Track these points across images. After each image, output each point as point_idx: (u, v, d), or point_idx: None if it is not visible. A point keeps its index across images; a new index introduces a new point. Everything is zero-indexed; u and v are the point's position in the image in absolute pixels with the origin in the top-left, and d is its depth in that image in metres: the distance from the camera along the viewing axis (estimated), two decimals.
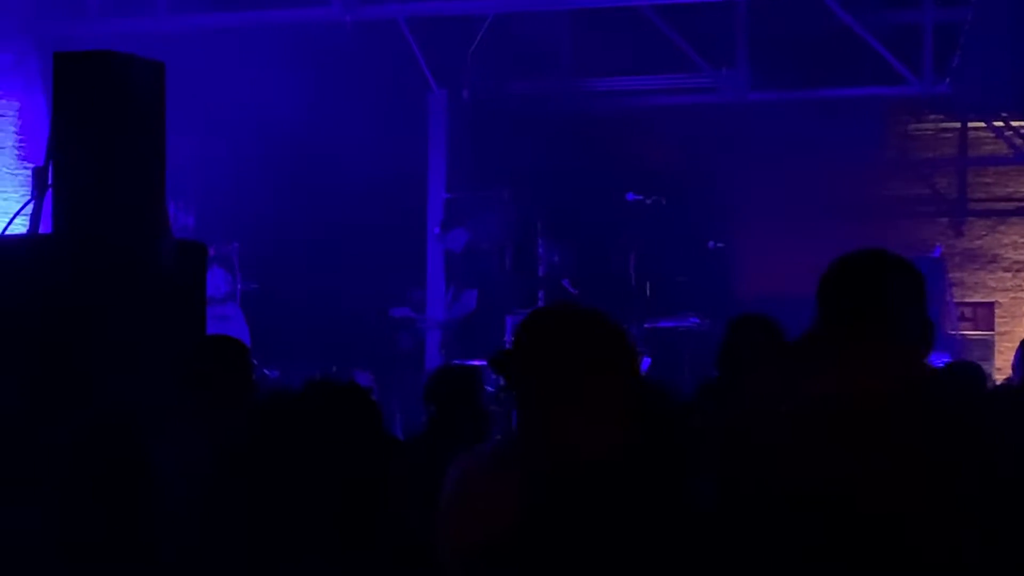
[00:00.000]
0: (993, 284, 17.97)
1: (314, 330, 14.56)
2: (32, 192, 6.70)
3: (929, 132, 18.39)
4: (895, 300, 3.53)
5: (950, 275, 17.26)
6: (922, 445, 3.39)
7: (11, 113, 14.21)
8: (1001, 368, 15.64)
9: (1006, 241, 18.16)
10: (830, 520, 3.35)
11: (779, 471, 3.43)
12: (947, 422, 3.47)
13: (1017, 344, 7.87)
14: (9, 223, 6.89)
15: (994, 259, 18.11)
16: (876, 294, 3.51)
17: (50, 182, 6.55)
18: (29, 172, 13.80)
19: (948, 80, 16.32)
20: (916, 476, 3.36)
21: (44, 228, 6.72)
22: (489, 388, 7.14)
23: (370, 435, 3.11)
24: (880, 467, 3.36)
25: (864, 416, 3.41)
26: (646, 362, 13.73)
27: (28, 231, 6.82)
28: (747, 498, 3.46)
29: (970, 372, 6.79)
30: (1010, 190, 18.19)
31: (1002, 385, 8.42)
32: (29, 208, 6.74)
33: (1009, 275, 18.10)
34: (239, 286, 14.20)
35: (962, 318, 17.43)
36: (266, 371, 13.42)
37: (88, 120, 6.45)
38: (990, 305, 17.83)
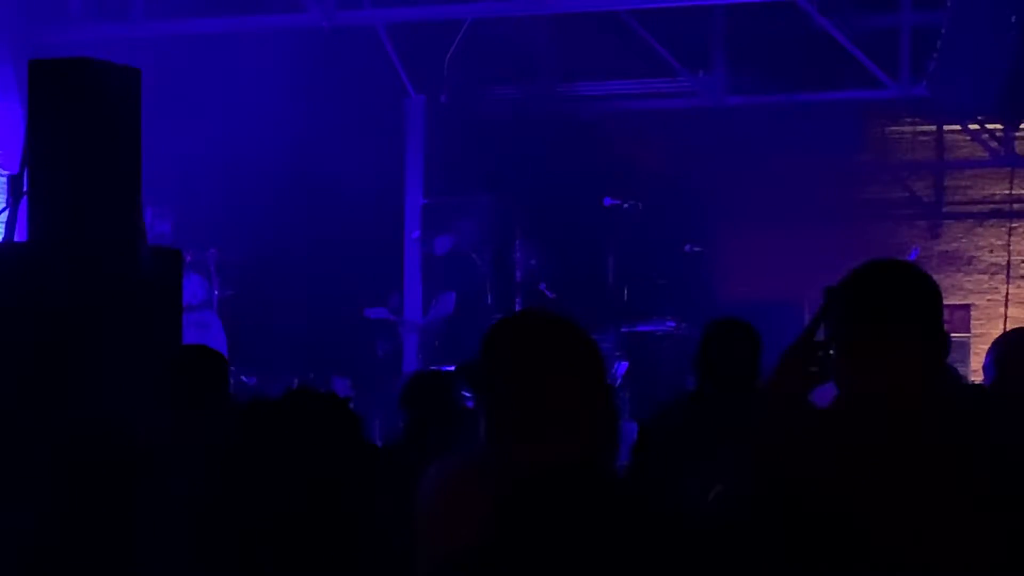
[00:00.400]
0: (970, 286, 18.03)
1: (291, 336, 14.53)
2: (7, 200, 6.69)
3: (906, 135, 18.44)
4: (915, 309, 3.60)
5: None
6: (951, 449, 3.45)
7: None
8: (976, 370, 15.68)
9: (982, 244, 18.22)
10: (861, 527, 3.39)
11: (804, 475, 3.46)
12: (971, 426, 3.53)
13: None
14: None
15: (970, 261, 18.17)
16: (897, 302, 3.58)
17: (25, 189, 6.53)
18: (4, 179, 13.80)
19: (925, 83, 16.36)
20: (947, 481, 3.41)
21: (19, 236, 6.71)
22: (465, 394, 7.12)
23: (349, 444, 3.11)
24: (911, 470, 3.41)
25: (894, 419, 3.47)
26: (623, 366, 13.73)
27: (3, 238, 6.80)
28: (767, 501, 3.49)
29: (946, 374, 6.77)
30: (986, 193, 18.25)
31: (976, 386, 8.41)
32: (4, 216, 6.73)
33: (985, 277, 18.16)
34: (216, 293, 14.16)
35: None
36: (244, 378, 13.39)
37: (63, 127, 6.43)
38: (966, 307, 17.89)
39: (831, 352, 3.63)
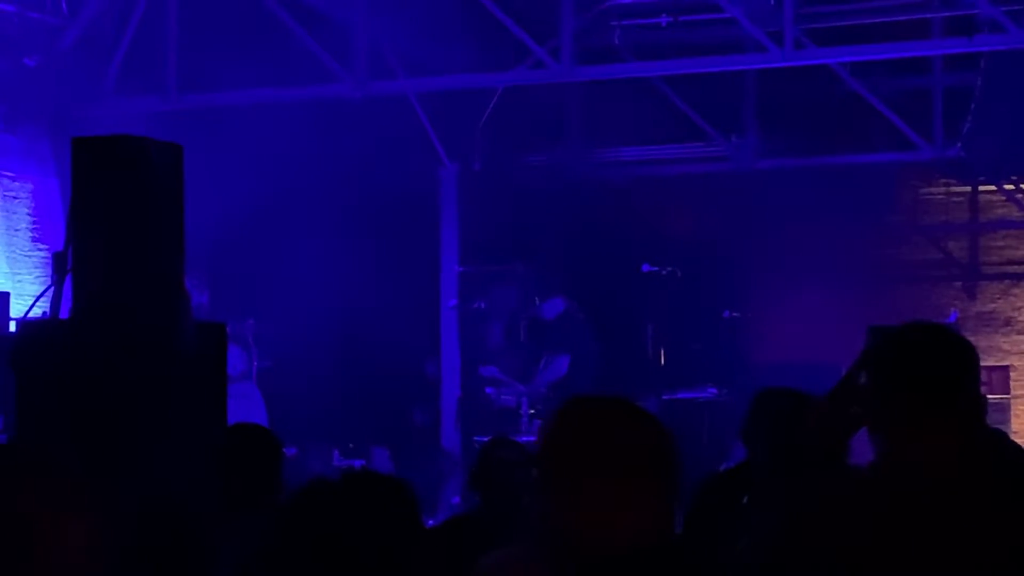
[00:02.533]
0: (1007, 347, 17.92)
1: (330, 406, 14.51)
2: (52, 277, 6.70)
3: (940, 196, 18.38)
4: (953, 377, 3.59)
5: None
6: (1000, 515, 3.42)
7: (24, 195, 14.22)
8: (1018, 431, 15.58)
9: (1019, 304, 18.12)
10: None
11: (839, 543, 3.44)
12: (1013, 496, 3.51)
13: None
14: (30, 308, 6.88)
15: (1008, 322, 18.07)
16: (935, 371, 3.57)
17: (69, 267, 6.54)
18: (43, 255, 13.83)
19: (959, 145, 16.34)
20: (997, 547, 3.39)
21: (64, 313, 6.71)
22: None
23: (411, 533, 3.07)
24: (964, 538, 3.39)
25: (931, 488, 3.45)
26: None
27: (48, 315, 6.80)
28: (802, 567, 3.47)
29: (1001, 439, 6.67)
30: (1022, 252, 18.16)
31: None
32: (49, 293, 6.73)
33: (1023, 338, 18.06)
34: (255, 363, 14.17)
35: None
36: (284, 449, 13.34)
37: (107, 205, 6.44)
38: (1005, 368, 17.76)
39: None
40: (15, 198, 14.21)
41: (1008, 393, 17.55)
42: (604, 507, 3.21)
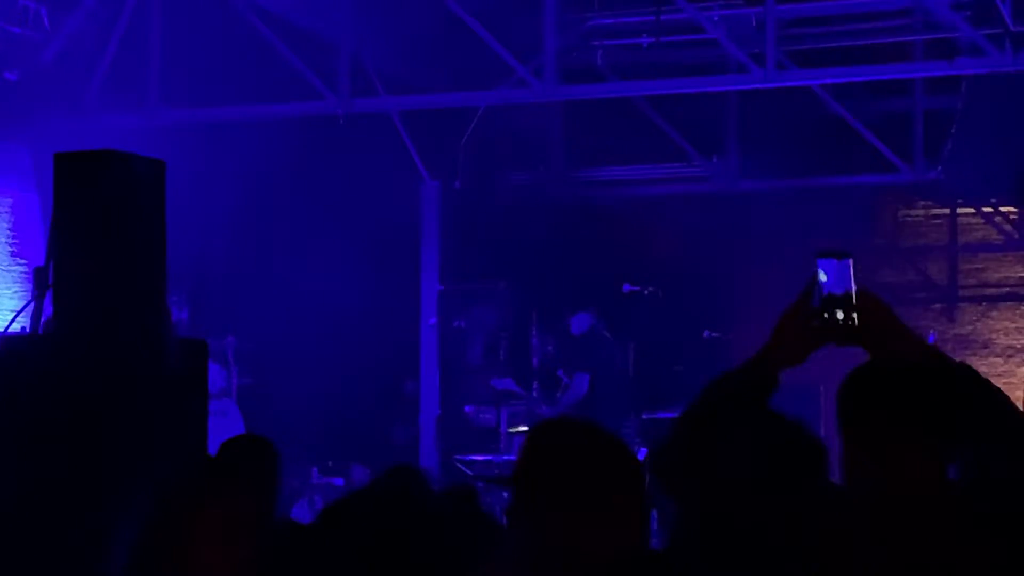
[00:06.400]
0: (985, 370, 17.77)
1: (309, 424, 14.48)
2: (32, 292, 6.66)
3: (919, 219, 18.46)
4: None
5: None
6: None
7: (4, 210, 14.17)
8: None
9: (997, 327, 18.18)
10: None
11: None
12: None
13: None
14: (10, 323, 6.85)
15: (986, 345, 18.13)
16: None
17: (50, 282, 6.51)
18: (23, 269, 13.79)
19: (939, 168, 16.40)
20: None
21: (44, 328, 6.68)
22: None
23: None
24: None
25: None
26: (643, 452, 13.63)
27: (28, 331, 6.78)
28: None
29: None
30: (1001, 276, 18.24)
31: None
32: (29, 308, 6.70)
33: (1001, 360, 18.12)
34: (235, 381, 14.12)
35: None
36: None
37: (89, 220, 6.42)
38: None
39: (826, 316, 3.65)
40: None
41: None
42: (586, 524, 3.27)
